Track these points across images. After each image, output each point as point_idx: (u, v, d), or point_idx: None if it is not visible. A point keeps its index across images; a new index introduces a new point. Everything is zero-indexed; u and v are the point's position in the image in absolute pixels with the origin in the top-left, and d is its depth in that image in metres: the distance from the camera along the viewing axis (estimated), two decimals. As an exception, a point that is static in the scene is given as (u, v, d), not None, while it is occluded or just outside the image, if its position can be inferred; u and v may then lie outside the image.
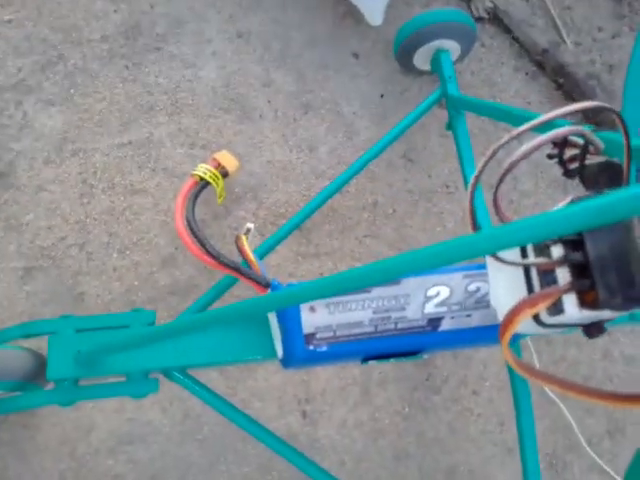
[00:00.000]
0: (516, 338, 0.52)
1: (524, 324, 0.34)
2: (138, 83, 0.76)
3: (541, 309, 0.34)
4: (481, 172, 0.33)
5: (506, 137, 0.34)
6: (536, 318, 0.36)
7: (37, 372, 0.54)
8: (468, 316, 0.48)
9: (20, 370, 0.53)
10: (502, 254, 0.34)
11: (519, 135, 0.34)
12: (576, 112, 0.32)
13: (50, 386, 0.53)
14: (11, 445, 0.62)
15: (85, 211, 0.70)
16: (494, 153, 0.33)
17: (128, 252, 0.70)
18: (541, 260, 0.35)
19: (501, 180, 0.32)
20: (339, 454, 0.67)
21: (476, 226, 0.35)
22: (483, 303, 0.52)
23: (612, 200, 0.20)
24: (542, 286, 0.36)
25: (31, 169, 0.71)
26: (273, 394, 0.68)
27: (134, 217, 0.71)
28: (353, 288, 0.30)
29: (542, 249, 0.35)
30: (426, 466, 0.68)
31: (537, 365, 0.66)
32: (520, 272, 0.36)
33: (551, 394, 0.69)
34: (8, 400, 0.53)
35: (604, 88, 0.86)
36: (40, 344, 0.54)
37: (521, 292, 0.38)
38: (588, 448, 0.71)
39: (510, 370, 0.59)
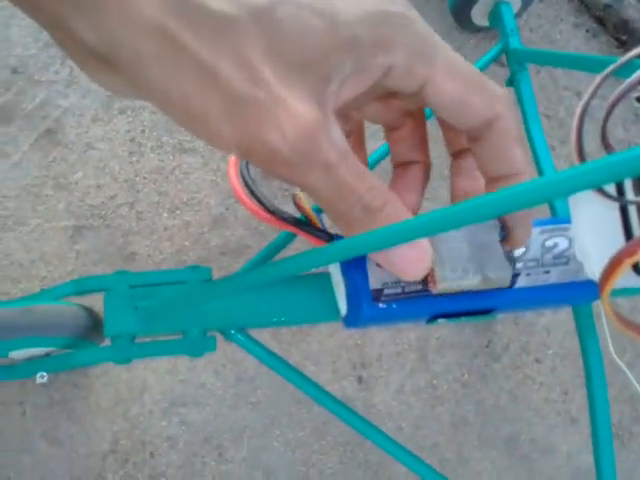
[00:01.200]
0: (593, 298, 0.49)
1: (622, 277, 0.32)
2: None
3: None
4: (592, 96, 0.30)
5: (607, 71, 0.31)
6: (636, 268, 0.33)
7: (91, 329, 0.53)
8: (546, 273, 0.45)
9: (74, 326, 0.52)
10: (604, 189, 0.31)
11: (613, 71, 0.31)
12: None
13: (104, 345, 0.52)
14: (62, 404, 0.61)
15: (134, 170, 0.69)
16: (601, 82, 0.30)
17: (178, 212, 0.68)
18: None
19: (609, 112, 0.29)
20: (396, 420, 0.65)
21: (583, 156, 0.32)
22: (562, 259, 0.48)
23: None
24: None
25: (79, 126, 0.69)
26: (327, 358, 0.66)
27: (184, 176, 0.69)
28: (424, 234, 0.27)
29: (643, 188, 0.32)
30: (486, 434, 0.66)
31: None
32: (615, 217, 0.33)
33: (619, 361, 0.66)
34: (64, 356, 0.52)
35: (671, 45, 0.81)
36: (92, 302, 0.53)
37: (617, 240, 0.35)
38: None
39: (582, 336, 0.56)
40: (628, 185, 0.33)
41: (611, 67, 0.33)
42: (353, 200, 0.23)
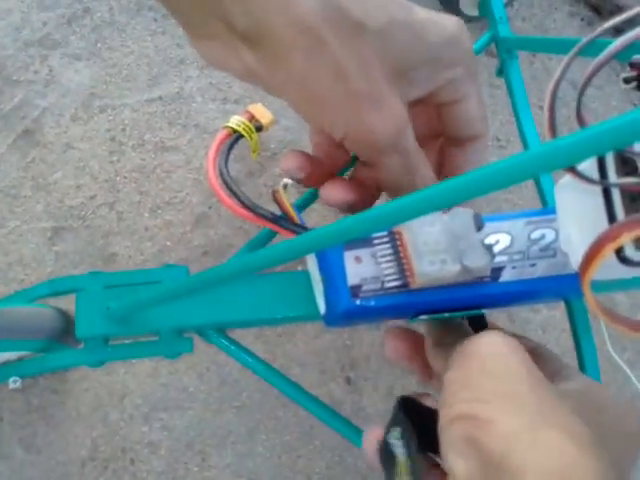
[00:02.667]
0: (595, 288, 0.47)
1: (604, 265, 0.30)
2: (167, 35, 0.72)
3: (632, 238, 0.29)
4: (564, 72, 0.28)
5: (574, 50, 0.29)
6: (620, 256, 0.31)
7: (65, 332, 0.51)
8: (532, 266, 0.43)
9: (47, 329, 0.50)
10: (582, 170, 0.29)
11: (581, 49, 0.30)
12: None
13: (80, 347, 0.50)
14: (40, 411, 0.59)
15: (115, 169, 0.67)
16: (569, 62, 0.29)
17: (160, 211, 0.66)
18: (631, 180, 0.30)
19: (583, 88, 0.28)
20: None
21: (554, 132, 0.30)
22: (549, 251, 0.46)
23: None
24: (628, 213, 0.31)
25: (58, 126, 0.68)
26: (314, 359, 0.64)
27: (165, 175, 0.68)
28: (397, 221, 0.25)
29: (628, 171, 0.30)
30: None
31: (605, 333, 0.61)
32: (599, 203, 0.31)
33: (618, 360, 0.63)
34: (35, 360, 0.51)
35: (669, 31, 0.79)
36: (69, 304, 0.51)
37: (601, 227, 0.32)
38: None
39: (575, 333, 0.53)
40: (611, 167, 0.31)
41: (577, 46, 0.31)
42: (413, 183, 0.31)
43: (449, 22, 0.29)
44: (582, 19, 0.81)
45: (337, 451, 0.62)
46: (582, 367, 0.53)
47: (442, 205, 0.22)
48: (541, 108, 0.76)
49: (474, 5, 0.72)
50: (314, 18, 0.24)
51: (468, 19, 0.77)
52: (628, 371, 0.63)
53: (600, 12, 0.82)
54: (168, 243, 0.66)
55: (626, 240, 0.28)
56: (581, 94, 0.30)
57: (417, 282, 0.35)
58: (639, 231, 0.28)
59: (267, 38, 0.24)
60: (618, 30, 0.77)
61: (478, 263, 0.35)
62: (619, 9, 0.80)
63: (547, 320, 0.68)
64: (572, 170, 0.29)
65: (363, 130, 0.27)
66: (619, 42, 0.30)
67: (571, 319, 0.54)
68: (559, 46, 0.57)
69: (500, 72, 0.67)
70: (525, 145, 0.62)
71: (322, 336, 0.65)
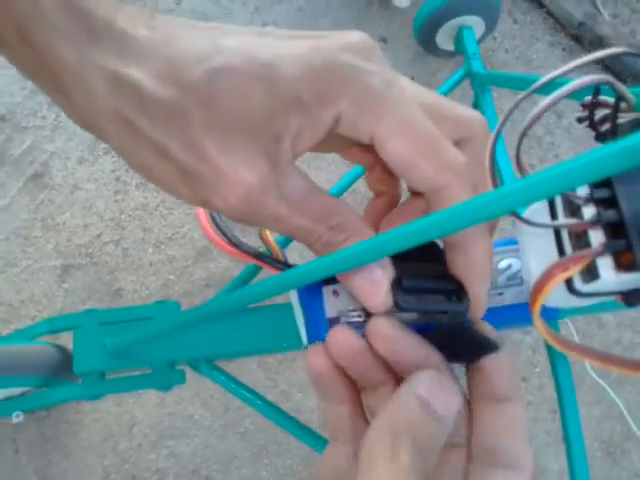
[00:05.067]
0: (554, 317, 0.49)
1: (558, 295, 0.32)
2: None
3: (574, 273, 0.32)
4: (502, 126, 0.31)
5: (525, 92, 0.32)
6: (570, 287, 0.34)
7: (64, 367, 0.54)
8: (500, 294, 0.46)
9: (47, 365, 0.53)
10: (530, 216, 0.32)
11: (534, 90, 0.32)
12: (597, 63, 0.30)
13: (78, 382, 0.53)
14: (54, 441, 0.63)
15: (120, 208, 0.71)
16: (515, 106, 0.31)
17: (163, 246, 0.70)
18: (572, 221, 0.33)
19: (523, 134, 0.30)
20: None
21: (496, 181, 0.33)
22: (516, 280, 0.49)
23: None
24: (575, 250, 0.33)
25: (65, 169, 0.72)
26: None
27: (167, 212, 0.71)
28: (372, 258, 0.28)
29: (573, 211, 0.33)
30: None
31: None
32: (551, 239, 0.34)
33: (600, 380, 0.66)
34: (37, 395, 0.54)
35: (648, 58, 0.82)
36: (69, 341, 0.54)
37: (553, 259, 0.35)
38: (646, 436, 0.67)
39: (549, 350, 0.56)
40: (559, 208, 0.34)
41: (531, 87, 0.34)
42: (313, 239, 0.25)
43: (296, 53, 0.22)
44: (563, 49, 0.85)
45: (336, 473, 0.64)
46: (559, 390, 0.54)
47: (400, 248, 0.24)
48: (525, 135, 0.79)
49: (450, 41, 0.76)
50: (118, 104, 0.22)
51: (447, 54, 0.80)
52: (609, 390, 0.65)
53: (581, 42, 0.85)
54: (171, 277, 0.69)
55: (572, 273, 0.31)
56: (519, 143, 0.33)
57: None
58: (574, 269, 0.31)
59: (92, 129, 0.23)
60: (598, 62, 0.80)
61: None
62: (599, 39, 0.83)
63: (537, 341, 0.70)
64: (513, 214, 0.32)
65: (207, 205, 0.24)
66: (567, 88, 0.33)
67: (546, 344, 0.57)
68: (526, 83, 0.60)
69: (475, 105, 0.71)
70: (500, 177, 0.64)
71: (319, 362, 0.67)
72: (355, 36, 0.23)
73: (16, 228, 0.69)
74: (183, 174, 0.23)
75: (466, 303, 0.29)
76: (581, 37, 0.83)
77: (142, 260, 0.70)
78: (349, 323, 0.44)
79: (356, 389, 0.28)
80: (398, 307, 0.27)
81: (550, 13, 0.85)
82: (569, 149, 0.79)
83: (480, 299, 0.28)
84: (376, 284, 0.26)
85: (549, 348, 0.56)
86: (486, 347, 0.28)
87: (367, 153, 0.29)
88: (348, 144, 0.28)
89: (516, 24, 0.84)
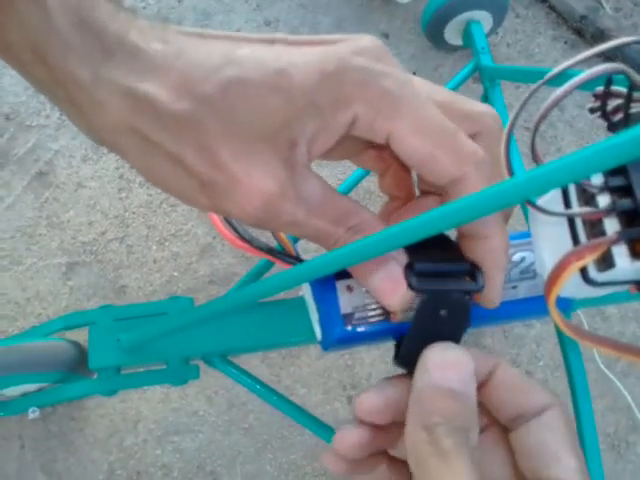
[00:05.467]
0: (567, 308, 0.49)
1: (572, 285, 0.32)
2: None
3: (589, 262, 0.32)
4: (516, 117, 0.31)
5: (538, 83, 0.32)
6: (585, 277, 0.34)
7: (79, 363, 0.54)
8: (514, 288, 0.46)
9: (63, 361, 0.54)
10: (543, 204, 0.32)
11: (547, 81, 0.32)
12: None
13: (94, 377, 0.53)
14: (60, 437, 0.63)
15: (124, 205, 0.71)
16: (529, 97, 0.31)
17: (167, 243, 0.70)
18: (587, 210, 0.33)
19: (537, 125, 0.30)
20: (387, 439, 0.66)
21: (512, 172, 0.33)
22: (529, 273, 0.49)
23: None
24: (589, 239, 0.33)
25: (70, 167, 0.72)
26: (317, 380, 0.67)
27: (171, 209, 0.71)
28: (384, 250, 0.28)
29: (587, 200, 0.33)
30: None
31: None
32: (565, 229, 0.34)
33: (608, 372, 0.66)
34: (53, 391, 0.54)
35: (650, 51, 0.82)
36: (85, 337, 0.54)
37: (567, 248, 0.35)
38: (651, 429, 0.68)
39: (562, 342, 0.56)
40: (573, 197, 0.34)
41: (541, 81, 0.34)
42: (332, 242, 0.26)
43: (308, 60, 0.22)
44: (565, 42, 0.85)
45: (342, 468, 0.64)
46: (571, 381, 0.55)
47: (414, 238, 0.25)
48: (527, 129, 0.79)
49: (458, 36, 0.76)
50: (132, 118, 0.22)
51: (454, 49, 0.80)
52: (617, 382, 0.65)
53: (583, 35, 0.85)
54: (175, 274, 0.69)
55: (587, 262, 0.31)
56: (535, 132, 0.33)
57: (397, 318, 0.37)
58: (589, 258, 0.31)
59: (109, 146, 0.23)
60: (604, 55, 0.81)
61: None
62: (601, 32, 0.83)
63: (541, 334, 0.71)
64: (529, 204, 0.32)
65: (225, 212, 0.24)
66: (579, 78, 0.33)
67: (559, 335, 0.57)
68: (535, 76, 0.60)
69: (485, 99, 0.71)
70: (510, 172, 0.65)
71: (324, 357, 0.67)
72: (366, 40, 0.23)
73: (21, 226, 0.69)
74: (201, 184, 0.23)
75: (480, 282, 0.29)
76: (583, 31, 0.83)
77: (146, 257, 0.70)
78: (365, 318, 0.44)
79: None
80: (412, 288, 0.27)
81: (552, 7, 0.85)
82: (571, 142, 0.79)
83: (498, 285, 0.28)
84: (394, 282, 0.26)
85: (561, 339, 0.56)
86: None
87: (379, 159, 0.29)
88: (360, 150, 0.28)
89: (518, 18, 0.84)
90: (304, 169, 0.24)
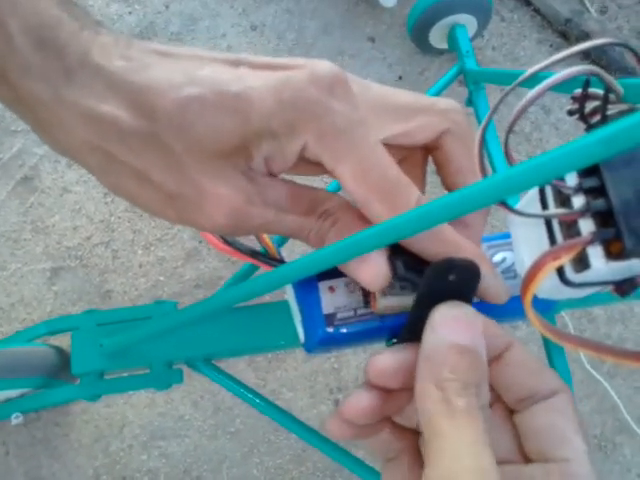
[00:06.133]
0: (551, 310, 0.49)
1: (551, 286, 0.32)
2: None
3: (565, 262, 0.32)
4: (489, 120, 0.31)
5: (510, 86, 0.32)
6: (562, 278, 0.34)
7: (62, 368, 0.54)
8: (494, 288, 0.46)
9: (45, 366, 0.53)
10: (521, 207, 0.32)
11: (520, 83, 0.33)
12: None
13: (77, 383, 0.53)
14: (44, 443, 0.62)
15: (109, 210, 0.71)
16: (502, 99, 0.32)
17: (153, 248, 0.70)
18: (562, 211, 0.33)
19: (511, 126, 0.30)
20: (374, 442, 0.66)
21: (485, 172, 0.33)
22: (510, 273, 0.49)
23: (631, 122, 0.18)
24: (565, 240, 0.34)
25: (55, 172, 0.72)
26: (304, 384, 0.67)
27: (157, 213, 0.71)
28: (363, 251, 0.28)
29: (563, 201, 0.33)
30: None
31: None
32: (542, 230, 0.34)
33: (594, 373, 0.66)
34: (36, 396, 0.54)
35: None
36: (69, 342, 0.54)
37: (544, 249, 0.35)
38: (638, 429, 0.68)
39: (546, 343, 0.56)
40: (550, 198, 0.34)
41: (516, 81, 0.34)
42: (306, 232, 0.26)
43: (266, 84, 0.23)
44: (551, 45, 0.85)
45: (329, 472, 0.64)
46: None
47: (399, 237, 0.24)
48: (514, 132, 0.79)
49: (443, 39, 0.76)
50: (97, 138, 0.22)
51: (439, 52, 0.81)
52: (606, 383, 0.66)
53: (568, 38, 0.85)
54: (161, 278, 0.69)
55: (563, 262, 0.32)
56: (508, 133, 0.33)
57: (378, 307, 0.37)
58: (565, 258, 0.31)
59: (78, 163, 0.24)
60: (587, 54, 0.81)
61: None
62: (586, 35, 0.84)
63: (527, 336, 0.71)
64: (502, 204, 0.33)
65: (195, 225, 0.25)
66: (552, 80, 0.33)
67: (543, 336, 0.57)
68: (518, 78, 0.60)
69: (469, 102, 0.71)
70: (494, 170, 0.65)
71: (311, 361, 0.67)
72: (325, 68, 0.23)
73: (5, 231, 0.69)
74: (168, 198, 0.23)
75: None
76: (568, 33, 0.84)
77: (132, 262, 0.69)
78: (348, 318, 0.44)
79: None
80: (397, 275, 0.27)
81: (537, 10, 0.85)
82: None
83: (492, 275, 0.30)
84: (370, 259, 0.26)
85: (545, 341, 0.56)
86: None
87: None
88: (322, 170, 0.29)
89: (503, 22, 0.84)
90: (264, 177, 0.24)
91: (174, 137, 0.22)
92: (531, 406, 0.25)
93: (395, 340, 0.41)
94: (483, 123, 0.34)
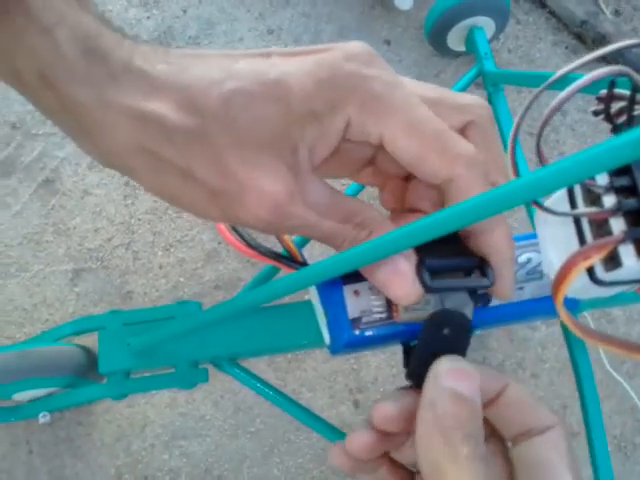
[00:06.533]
0: (574, 310, 0.49)
1: (580, 286, 0.33)
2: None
3: (595, 261, 0.32)
4: (522, 119, 0.32)
5: (541, 87, 0.33)
6: (593, 277, 0.34)
7: (89, 368, 0.55)
8: (520, 289, 0.46)
9: (72, 366, 0.54)
10: (550, 206, 0.33)
11: (549, 85, 0.33)
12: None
13: (103, 382, 0.53)
14: (67, 442, 0.63)
15: (129, 212, 0.72)
16: (533, 101, 0.32)
17: (173, 249, 0.70)
18: (593, 210, 0.33)
19: (542, 128, 0.31)
20: (394, 443, 0.66)
21: (518, 173, 0.33)
22: (535, 274, 0.49)
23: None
24: (596, 239, 0.34)
25: (76, 174, 0.72)
26: (323, 384, 0.67)
27: (177, 215, 0.72)
28: (391, 252, 0.28)
29: (593, 200, 0.33)
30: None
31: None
32: (571, 230, 0.34)
33: (614, 373, 0.66)
34: (63, 395, 0.55)
35: (650, 56, 0.82)
36: (90, 342, 0.55)
37: (574, 248, 0.36)
38: (657, 431, 0.68)
39: (569, 343, 0.56)
40: (579, 197, 0.34)
41: (544, 84, 0.34)
42: (340, 241, 0.26)
43: (302, 68, 0.23)
44: (566, 47, 0.86)
45: (349, 471, 0.64)
46: (579, 383, 0.55)
47: (423, 239, 0.25)
48: (531, 134, 0.80)
49: (461, 42, 0.77)
50: (141, 138, 0.23)
51: (456, 55, 0.81)
52: (625, 384, 0.66)
53: (583, 40, 0.86)
54: (181, 279, 0.69)
55: (593, 261, 0.32)
56: (539, 135, 0.33)
57: (400, 317, 0.37)
58: (596, 257, 0.32)
59: (117, 167, 0.24)
60: (606, 59, 0.82)
61: (459, 307, 0.36)
62: (601, 36, 0.84)
63: (546, 337, 0.71)
64: (534, 203, 0.33)
65: (237, 222, 0.25)
66: (582, 81, 0.33)
67: (566, 336, 0.57)
68: (539, 80, 0.61)
69: (489, 103, 0.71)
70: (516, 173, 0.65)
71: (330, 361, 0.68)
72: (356, 46, 0.24)
73: (28, 233, 0.70)
74: (212, 195, 0.24)
75: (491, 277, 0.29)
76: (584, 35, 0.84)
77: (152, 263, 0.70)
78: (372, 322, 0.45)
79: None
80: (425, 287, 0.28)
81: (552, 12, 0.85)
82: (574, 146, 0.79)
83: (508, 277, 0.29)
84: (402, 275, 0.27)
85: (568, 341, 0.56)
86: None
87: (376, 175, 0.30)
88: (358, 168, 0.29)
89: (519, 24, 0.85)
90: (308, 174, 0.24)
91: (219, 132, 0.23)
92: (526, 440, 0.26)
93: (411, 344, 0.41)
94: (516, 122, 0.34)
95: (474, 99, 0.28)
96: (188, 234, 0.71)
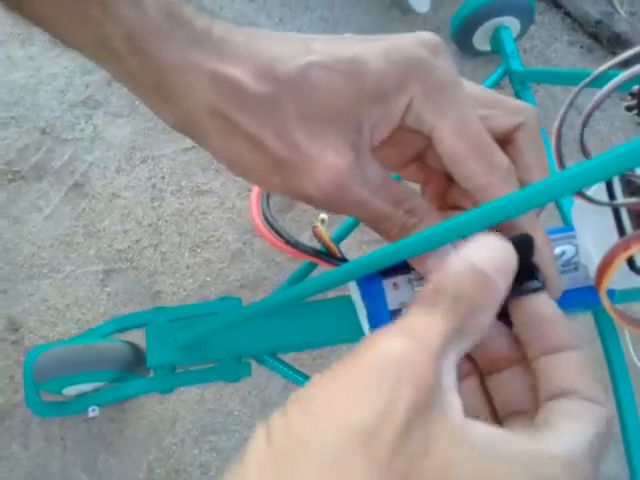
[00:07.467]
0: (613, 299, 0.50)
1: (619, 276, 0.33)
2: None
3: (635, 252, 0.33)
4: (565, 113, 0.33)
5: (580, 85, 0.33)
6: (633, 266, 0.35)
7: (135, 363, 0.57)
8: (556, 281, 0.47)
9: (120, 361, 0.56)
10: (593, 191, 0.33)
11: (588, 83, 0.34)
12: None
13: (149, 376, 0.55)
14: (100, 438, 0.65)
15: (157, 214, 0.73)
16: (575, 96, 0.33)
17: (199, 250, 0.72)
18: (634, 200, 0.34)
19: (585, 121, 0.32)
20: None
21: (563, 165, 0.34)
22: (570, 266, 0.49)
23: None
24: (635, 229, 0.34)
25: (104, 178, 0.74)
26: (348, 380, 0.69)
27: (202, 217, 0.74)
28: (424, 250, 0.29)
29: (633, 191, 0.34)
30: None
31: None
32: (610, 221, 0.35)
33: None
34: (112, 390, 0.56)
35: (666, 54, 0.83)
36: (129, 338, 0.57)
37: (613, 240, 0.36)
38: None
39: (602, 334, 0.56)
40: (617, 189, 0.35)
41: (585, 80, 0.35)
42: (390, 224, 0.27)
43: (376, 50, 0.25)
44: (581, 47, 0.87)
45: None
46: (612, 374, 0.55)
47: (457, 236, 0.25)
48: (588, 120, 0.80)
49: (486, 41, 0.78)
50: (217, 102, 0.24)
51: (481, 54, 0.82)
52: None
53: (599, 39, 0.87)
54: (208, 279, 0.71)
55: (634, 252, 0.33)
56: (582, 130, 0.34)
57: None
58: (638, 245, 0.33)
59: (192, 130, 0.26)
60: (625, 63, 0.83)
61: None
62: (617, 36, 0.85)
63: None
64: (580, 194, 0.34)
65: (300, 196, 0.26)
66: (621, 77, 0.34)
67: (599, 328, 0.57)
68: (568, 78, 0.62)
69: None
70: (561, 165, 0.66)
71: (355, 358, 0.69)
72: (429, 35, 0.26)
73: (59, 235, 0.72)
74: (277, 163, 0.25)
75: (540, 279, 0.29)
76: (599, 35, 0.85)
77: (179, 263, 0.72)
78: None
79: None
80: None
81: (567, 13, 0.86)
82: (591, 145, 0.80)
83: (553, 276, 0.29)
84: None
85: (601, 332, 0.56)
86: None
87: (421, 171, 0.31)
88: (405, 162, 0.31)
89: (534, 25, 0.86)
90: (367, 153, 0.26)
91: (291, 101, 0.24)
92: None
93: None
94: (560, 116, 0.35)
95: (525, 104, 0.30)
96: (214, 235, 0.73)
